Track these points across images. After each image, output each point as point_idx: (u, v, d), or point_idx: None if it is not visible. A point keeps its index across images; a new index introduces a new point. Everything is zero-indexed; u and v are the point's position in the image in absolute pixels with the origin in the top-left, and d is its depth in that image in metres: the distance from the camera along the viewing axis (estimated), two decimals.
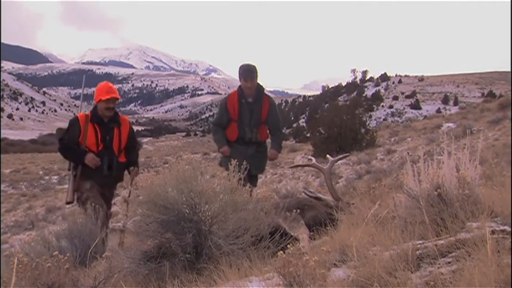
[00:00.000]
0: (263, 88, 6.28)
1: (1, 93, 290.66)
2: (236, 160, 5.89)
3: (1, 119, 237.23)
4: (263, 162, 6.31)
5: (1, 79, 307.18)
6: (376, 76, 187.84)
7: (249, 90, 6.07)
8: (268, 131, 6.32)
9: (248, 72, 6.03)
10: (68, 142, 5.42)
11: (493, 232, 2.05)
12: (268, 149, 6.36)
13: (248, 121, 6.13)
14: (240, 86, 6.18)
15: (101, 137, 5.41)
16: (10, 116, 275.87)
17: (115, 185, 5.77)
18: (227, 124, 6.20)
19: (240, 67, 6.10)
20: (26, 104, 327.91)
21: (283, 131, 6.32)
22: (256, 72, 6.04)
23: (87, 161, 5.29)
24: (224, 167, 5.91)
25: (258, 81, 6.17)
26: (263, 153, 6.30)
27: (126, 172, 5.74)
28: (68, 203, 5.48)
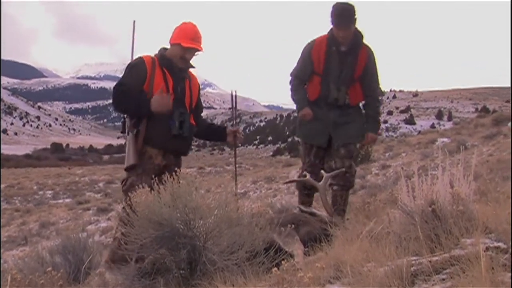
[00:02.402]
0: (362, 35, 4.82)
1: None
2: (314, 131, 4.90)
3: None
4: (353, 130, 4.87)
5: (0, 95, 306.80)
6: None
7: (343, 39, 4.70)
8: (361, 94, 4.90)
9: (342, 18, 4.60)
10: (128, 88, 4.06)
11: (487, 248, 2.06)
12: (361, 115, 4.99)
13: (336, 76, 4.75)
14: (331, 30, 4.76)
15: (173, 86, 4.13)
16: (4, 131, 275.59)
17: (180, 156, 4.37)
18: (308, 78, 4.88)
19: (332, 8, 4.62)
20: (21, 119, 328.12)
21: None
22: (354, 17, 4.60)
23: (154, 105, 3.95)
24: (301, 137, 5.11)
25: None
26: (355, 120, 4.90)
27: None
28: (129, 168, 4.06)
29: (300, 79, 4.93)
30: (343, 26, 4.60)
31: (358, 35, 4.76)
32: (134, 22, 4.49)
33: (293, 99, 5.01)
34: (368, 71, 4.81)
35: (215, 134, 4.67)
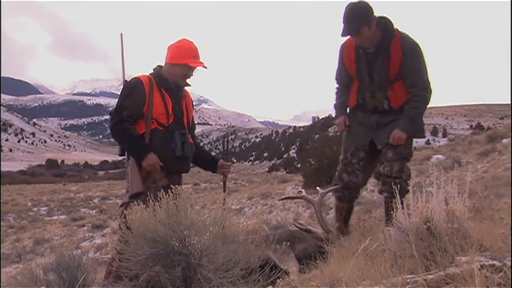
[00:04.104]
0: (392, 24, 4.11)
1: None
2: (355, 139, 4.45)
3: None
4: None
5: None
6: None
7: (363, 44, 4.15)
8: (405, 93, 4.20)
9: (349, 24, 4.00)
10: (128, 116, 3.94)
11: (482, 267, 2.05)
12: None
13: (368, 82, 4.25)
14: None
15: (172, 106, 4.05)
16: None
17: (181, 174, 4.29)
18: (350, 82, 4.43)
19: (344, 10, 4.05)
20: (16, 135, 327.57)
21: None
22: (365, 18, 3.97)
23: (145, 163, 3.86)
24: (344, 145, 4.63)
25: (381, 15, 4.12)
26: (397, 118, 4.26)
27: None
28: (134, 195, 3.83)
29: (342, 84, 4.53)
30: (353, 33, 4.05)
31: (386, 25, 4.10)
32: (121, 35, 4.36)
33: (334, 105, 4.64)
34: (406, 66, 4.09)
35: (205, 162, 4.54)
